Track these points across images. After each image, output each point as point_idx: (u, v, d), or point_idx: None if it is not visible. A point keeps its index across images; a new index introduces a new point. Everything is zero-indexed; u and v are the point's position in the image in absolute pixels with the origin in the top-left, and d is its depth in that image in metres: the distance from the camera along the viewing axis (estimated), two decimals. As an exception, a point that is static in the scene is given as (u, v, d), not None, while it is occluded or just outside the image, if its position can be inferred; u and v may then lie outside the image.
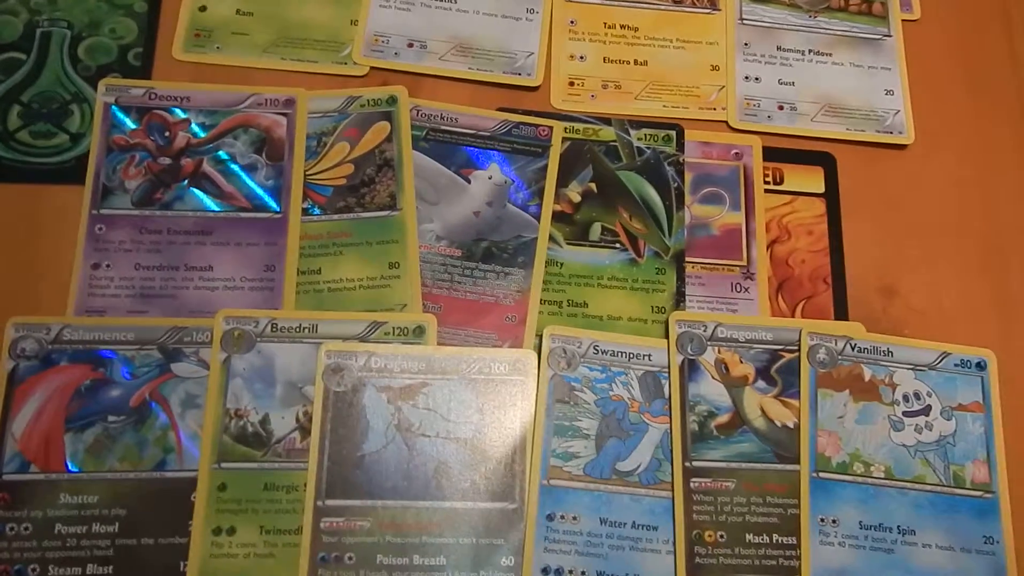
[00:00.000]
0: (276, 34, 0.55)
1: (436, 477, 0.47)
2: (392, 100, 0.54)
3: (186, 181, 0.51)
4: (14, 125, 0.51)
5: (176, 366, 0.48)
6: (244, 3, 0.56)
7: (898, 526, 0.48)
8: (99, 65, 0.53)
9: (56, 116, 0.52)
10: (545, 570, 0.46)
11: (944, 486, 0.49)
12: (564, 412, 0.49)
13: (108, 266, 0.49)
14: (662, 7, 0.59)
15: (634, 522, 0.47)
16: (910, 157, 0.57)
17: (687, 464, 0.48)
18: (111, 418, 0.46)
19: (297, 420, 0.47)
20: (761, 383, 0.50)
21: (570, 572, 0.46)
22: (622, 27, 0.58)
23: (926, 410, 0.51)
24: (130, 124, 0.52)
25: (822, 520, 0.48)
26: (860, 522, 0.48)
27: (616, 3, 0.59)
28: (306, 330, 0.49)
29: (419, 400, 0.48)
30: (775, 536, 0.48)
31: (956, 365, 0.52)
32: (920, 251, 0.55)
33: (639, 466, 0.48)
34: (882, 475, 0.49)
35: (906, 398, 0.51)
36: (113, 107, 0.52)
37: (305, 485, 0.46)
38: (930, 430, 0.50)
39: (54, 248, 0.49)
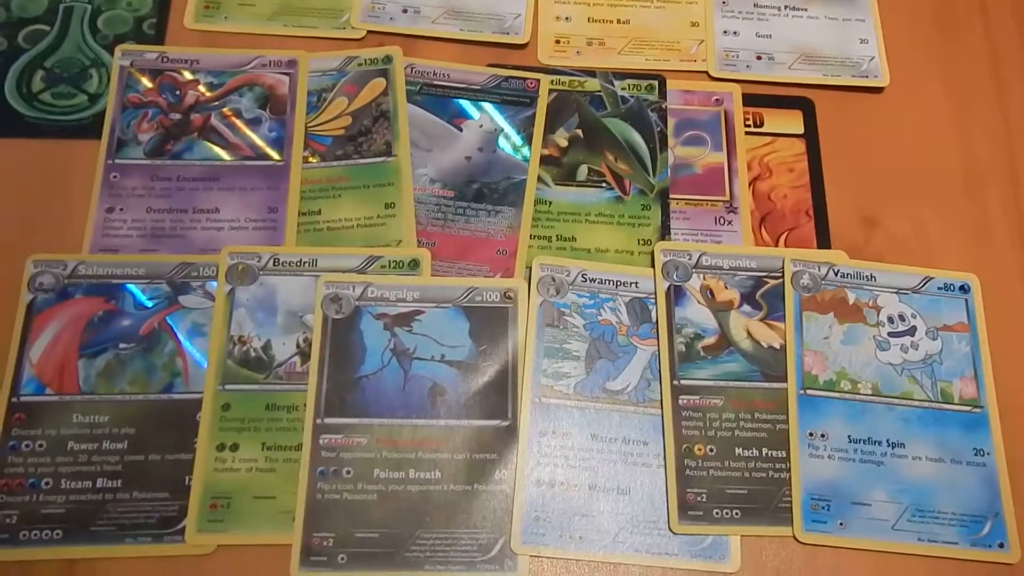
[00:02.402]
0: (279, 4, 0.59)
1: (431, 397, 0.49)
2: (388, 59, 0.57)
3: (195, 134, 0.55)
4: (37, 87, 0.55)
5: (184, 298, 0.50)
6: (250, -23, 0.60)
7: (887, 439, 0.49)
8: (116, 35, 0.57)
9: (76, 79, 0.56)
10: (538, 482, 0.47)
11: (932, 402, 0.50)
12: (554, 335, 0.50)
13: (121, 210, 0.52)
14: (643, -27, 0.63)
15: (624, 437, 0.49)
16: (886, 99, 0.59)
17: (675, 383, 0.50)
18: (122, 345, 0.49)
19: (297, 346, 0.49)
20: (746, 307, 0.52)
21: (562, 484, 0.47)
22: (605, -10, 0.62)
23: (911, 331, 0.52)
24: (144, 84, 0.56)
25: (811, 434, 0.49)
26: (849, 436, 0.49)
27: (599, -30, 0.63)
28: (306, 264, 0.51)
29: (414, 326, 0.50)
30: (764, 450, 0.49)
31: (939, 288, 0.53)
32: (900, 184, 0.57)
33: (628, 385, 0.50)
34: (869, 392, 0.50)
35: (891, 319, 0.52)
36: (128, 70, 0.56)
37: (305, 405, 0.48)
38: (916, 349, 0.51)
39: (72, 195, 0.53)
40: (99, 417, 0.47)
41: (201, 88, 0.56)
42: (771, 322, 0.52)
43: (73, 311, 0.49)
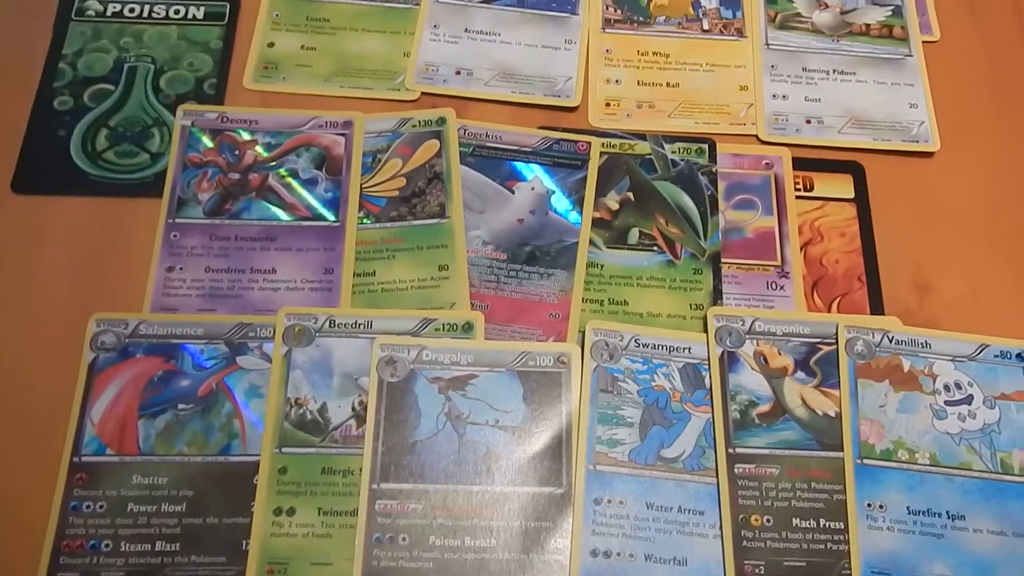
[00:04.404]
0: (336, 66, 0.61)
1: (485, 462, 0.49)
2: (441, 121, 0.58)
3: (253, 194, 0.56)
4: (102, 146, 0.57)
5: (241, 359, 0.51)
6: (308, 39, 0.61)
7: (947, 511, 0.48)
8: (178, 94, 0.59)
9: (139, 138, 0.57)
10: (593, 552, 0.47)
11: (992, 472, 0.50)
12: (608, 401, 0.50)
13: (181, 269, 0.53)
14: (691, 36, 0.64)
15: (680, 507, 0.48)
16: (937, 163, 0.59)
17: (730, 450, 0.49)
18: (181, 406, 0.49)
19: (353, 409, 0.50)
20: (800, 374, 0.52)
21: (618, 555, 0.47)
22: (654, 54, 0.63)
23: (968, 399, 0.51)
24: (204, 143, 0.57)
25: (869, 505, 0.48)
26: (908, 507, 0.48)
27: (648, 34, 0.63)
28: (361, 326, 0.52)
29: (468, 390, 0.50)
30: (822, 521, 0.48)
31: (996, 356, 0.52)
32: (952, 249, 0.57)
33: (683, 453, 0.49)
34: (927, 462, 0.50)
35: (947, 388, 0.52)
36: (190, 129, 0.57)
37: (361, 469, 0.48)
38: (973, 418, 0.51)
39: (133, 254, 0.54)
40: (158, 479, 0.47)
41: (259, 148, 0.57)
42: (826, 389, 0.51)
43: (134, 371, 0.50)
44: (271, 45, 0.61)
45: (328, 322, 0.52)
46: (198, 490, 0.47)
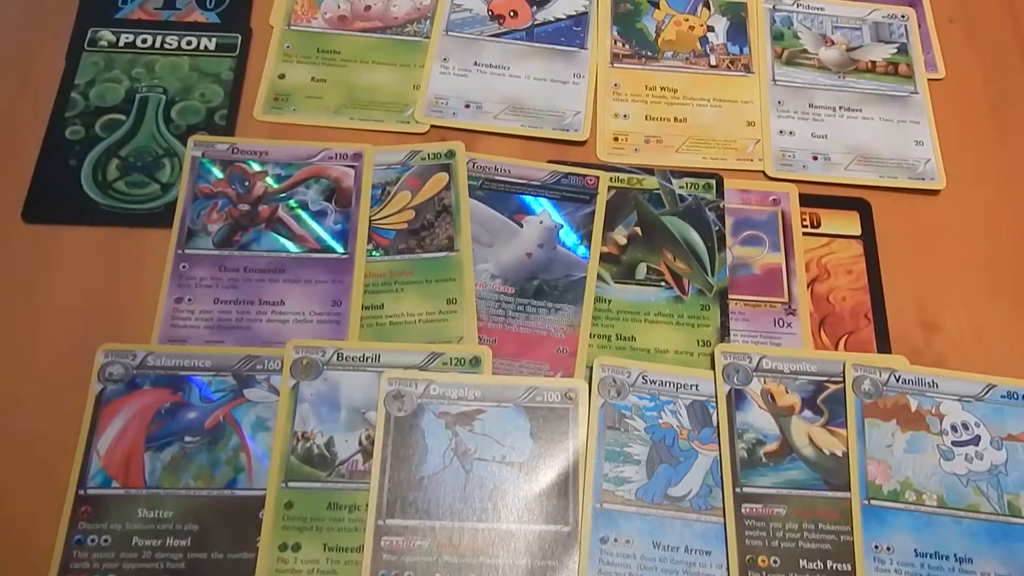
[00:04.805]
0: (346, 98, 0.61)
1: (492, 499, 0.49)
2: (450, 154, 0.59)
3: (262, 225, 0.56)
4: (112, 176, 0.57)
5: (249, 391, 0.51)
6: (318, 71, 0.62)
7: (955, 554, 0.48)
8: (189, 125, 0.59)
9: (149, 168, 0.57)
10: (599, 591, 0.47)
11: (999, 515, 0.49)
12: (615, 438, 0.50)
13: (190, 300, 0.53)
14: (699, 71, 0.64)
15: (687, 546, 0.48)
16: (943, 200, 0.60)
17: (738, 490, 0.49)
18: (187, 438, 0.49)
19: (360, 443, 0.50)
20: (807, 413, 0.52)
21: (624, 594, 0.47)
22: (662, 89, 0.63)
23: (975, 440, 0.51)
24: (215, 174, 0.57)
25: (876, 547, 0.48)
26: (915, 550, 0.48)
27: (656, 68, 0.64)
28: (369, 359, 0.52)
29: (475, 425, 0.50)
30: (829, 562, 0.48)
31: (1003, 396, 0.52)
32: (958, 287, 0.57)
33: (690, 491, 0.49)
34: (935, 503, 0.49)
35: (954, 428, 0.52)
36: (200, 160, 0.57)
37: (367, 505, 0.48)
38: (981, 459, 0.51)
39: (142, 284, 0.54)
40: (164, 512, 0.47)
41: (269, 179, 0.57)
42: (833, 428, 0.51)
43: (141, 403, 0.50)
44: (282, 77, 0.62)
45: (336, 355, 0.52)
46: (203, 524, 0.47)
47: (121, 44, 0.62)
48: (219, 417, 0.50)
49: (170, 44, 0.62)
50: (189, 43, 0.62)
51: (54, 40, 0.62)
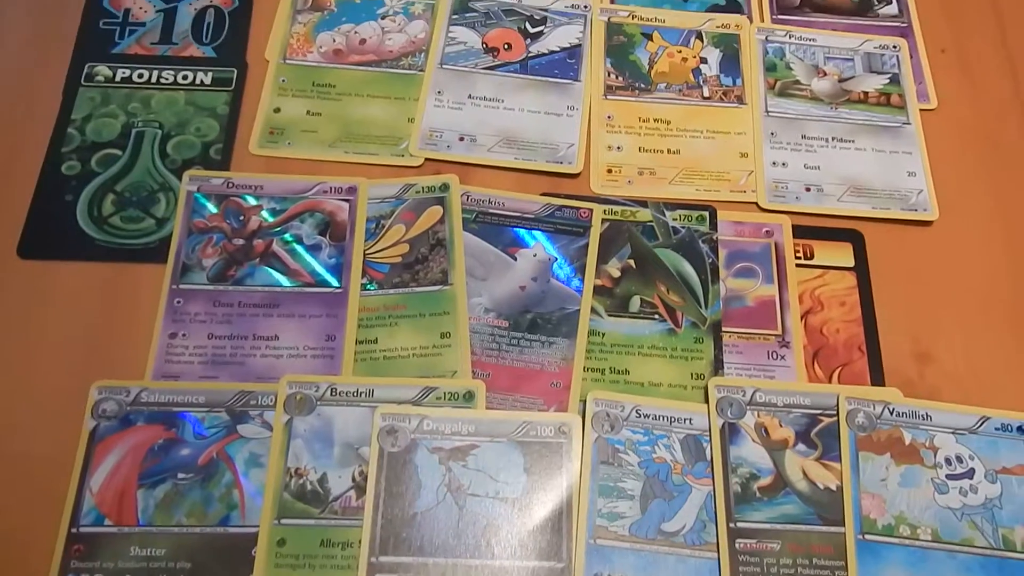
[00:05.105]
0: (341, 131, 0.62)
1: (486, 535, 0.48)
2: (444, 187, 0.59)
3: (257, 260, 0.56)
4: (108, 211, 0.57)
5: (242, 427, 0.51)
6: (313, 104, 0.62)
7: (949, 590, 0.48)
8: (184, 159, 0.59)
9: (144, 203, 0.58)
10: (593, 629, 0.47)
11: (994, 549, 0.49)
12: (609, 473, 0.50)
13: (184, 335, 0.53)
14: (692, 103, 0.64)
15: (681, 583, 0.48)
16: (936, 231, 0.60)
17: (732, 525, 0.49)
18: (181, 475, 0.49)
19: (353, 479, 0.50)
20: (801, 446, 0.52)
21: (618, 632, 0.47)
22: (656, 120, 0.63)
23: (970, 473, 0.51)
24: (209, 209, 0.57)
25: (871, 583, 0.48)
26: (910, 586, 0.48)
27: (649, 100, 0.64)
28: (363, 394, 0.52)
29: (469, 461, 0.50)
30: (824, 599, 0.48)
31: (997, 429, 0.52)
32: (952, 319, 0.57)
33: (684, 527, 0.49)
34: (929, 538, 0.49)
35: (948, 461, 0.51)
36: (196, 194, 0.58)
37: (360, 541, 0.48)
38: (975, 493, 0.51)
39: (137, 320, 0.54)
40: (156, 550, 0.47)
41: (264, 214, 0.58)
42: (827, 462, 0.51)
43: (134, 439, 0.50)
44: (277, 111, 0.62)
45: (329, 390, 0.52)
46: (196, 562, 0.47)
47: (118, 79, 0.62)
48: (212, 453, 0.50)
49: (166, 79, 0.62)
50: (185, 77, 0.63)
51: (51, 75, 0.62)
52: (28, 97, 0.62)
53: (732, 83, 0.65)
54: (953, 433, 0.52)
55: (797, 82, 0.66)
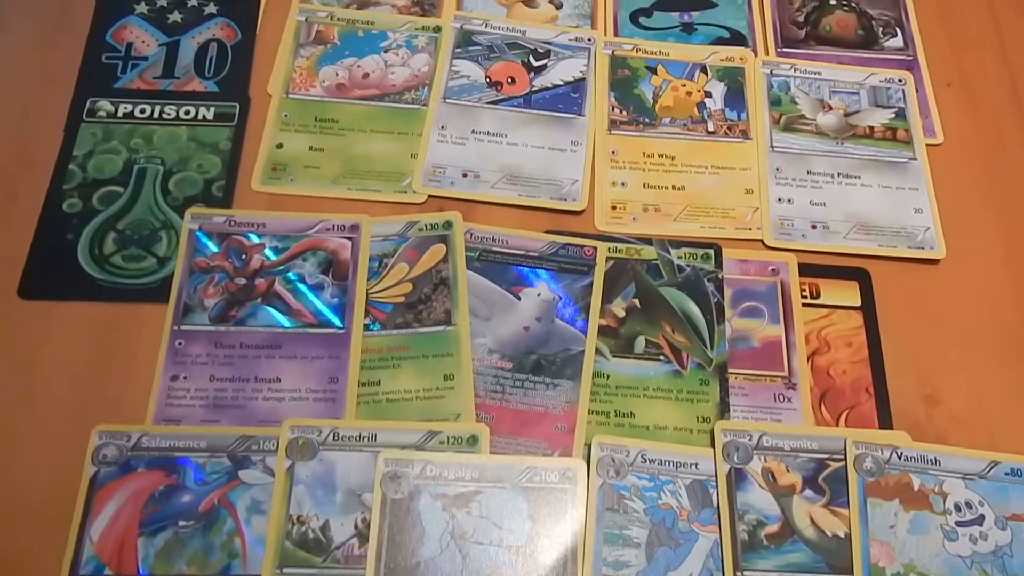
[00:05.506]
0: (344, 167, 0.61)
1: (489, 585, 0.48)
2: (448, 224, 0.58)
3: (259, 300, 0.56)
4: (109, 250, 0.57)
5: (244, 473, 0.50)
6: (316, 140, 0.62)
7: (959, 642, 0.47)
8: (186, 196, 0.59)
9: (146, 241, 0.57)
10: None
11: (1004, 599, 0.49)
12: (614, 520, 0.50)
13: (185, 378, 0.53)
14: (696, 138, 0.64)
15: (687, 633, 0.47)
16: (943, 270, 0.59)
17: (739, 574, 0.48)
18: (181, 523, 0.49)
19: (356, 527, 0.49)
20: (809, 492, 0.51)
21: None
22: (660, 156, 0.63)
23: (979, 519, 0.51)
24: (211, 248, 0.57)
25: (880, 634, 0.47)
26: (919, 637, 0.48)
27: (654, 135, 0.64)
28: (366, 439, 0.51)
29: (472, 507, 0.50)
30: (832, 650, 0.47)
31: (1007, 474, 0.52)
32: (961, 360, 0.56)
33: (690, 576, 0.49)
34: (939, 587, 0.49)
35: (958, 507, 0.51)
36: (197, 233, 0.57)
37: (362, 591, 0.47)
38: (985, 540, 0.50)
39: (138, 361, 0.53)
40: (156, 601, 0.47)
41: (267, 252, 0.57)
42: (835, 508, 0.51)
43: (135, 486, 0.49)
44: (280, 146, 0.62)
45: (332, 434, 0.51)
46: (197, 613, 0.47)
47: (120, 114, 0.62)
48: (214, 500, 0.49)
49: (168, 114, 0.62)
50: (187, 112, 0.62)
51: (53, 110, 0.62)
52: (30, 132, 0.61)
53: (737, 117, 0.65)
54: (962, 478, 0.52)
55: (802, 116, 0.65)
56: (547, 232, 0.59)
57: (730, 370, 0.55)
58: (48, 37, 0.65)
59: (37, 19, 0.66)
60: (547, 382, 0.54)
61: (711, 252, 0.59)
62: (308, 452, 0.51)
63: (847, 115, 0.65)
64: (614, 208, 0.61)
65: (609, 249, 0.59)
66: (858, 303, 0.58)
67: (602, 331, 0.56)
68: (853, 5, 0.71)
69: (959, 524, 0.50)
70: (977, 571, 0.49)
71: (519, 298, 0.57)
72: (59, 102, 0.62)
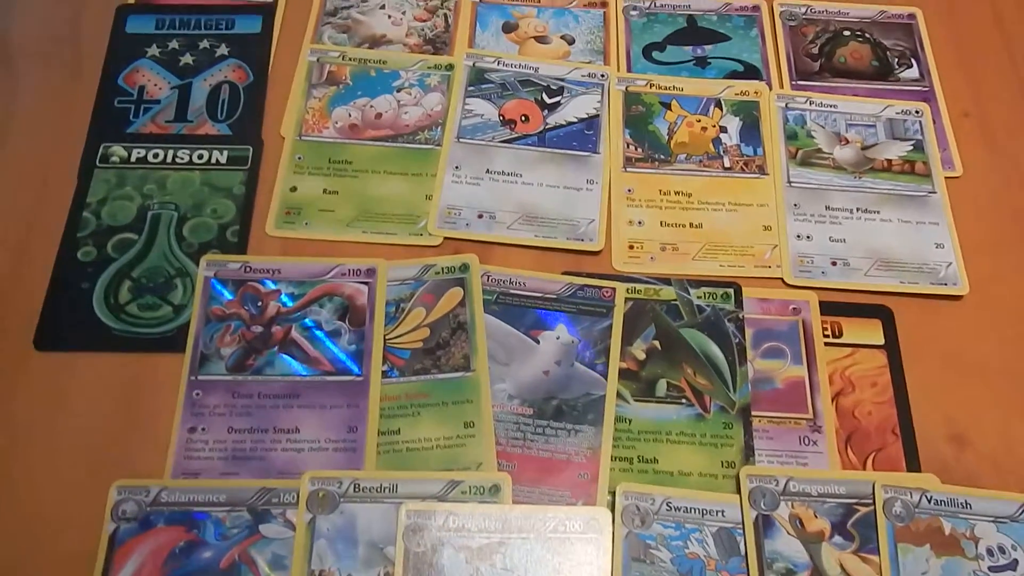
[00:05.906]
0: (358, 210, 0.61)
1: (515, 640, 0.47)
2: (464, 267, 0.58)
3: (276, 348, 0.55)
4: (124, 299, 0.56)
5: (264, 527, 0.49)
6: (330, 183, 0.62)
7: None
8: (201, 242, 0.59)
9: (161, 290, 0.57)
10: None
11: (1041, 648, 0.48)
12: (641, 571, 0.49)
13: (204, 429, 0.52)
14: (713, 174, 0.64)
15: None
16: (967, 305, 0.59)
17: (769, 625, 0.48)
18: (202, 580, 0.48)
19: (378, 581, 0.48)
20: (838, 538, 0.50)
21: None
22: (676, 193, 0.63)
23: (1013, 564, 0.50)
24: (227, 296, 0.57)
25: None
26: None
27: (670, 172, 0.63)
28: (387, 490, 0.50)
29: (496, 560, 0.49)
30: None
31: (1038, 517, 0.51)
32: (987, 399, 0.56)
33: (719, 628, 0.48)
34: (973, 637, 0.48)
35: (990, 552, 0.50)
36: (212, 280, 0.57)
37: (386, 649, 0.46)
38: (1019, 587, 0.49)
39: (155, 412, 0.53)
40: (178, 662, 0.46)
41: (283, 298, 0.57)
42: (865, 555, 0.50)
43: (155, 542, 0.49)
44: (293, 189, 0.61)
45: (352, 486, 0.50)
46: (219, 674, 0.46)
47: (133, 159, 0.62)
48: (235, 556, 0.49)
49: (181, 158, 0.62)
50: (200, 156, 0.62)
51: (66, 156, 0.62)
52: (43, 179, 0.61)
53: (753, 152, 0.65)
54: (994, 522, 0.51)
55: (819, 150, 0.65)
56: (564, 273, 0.59)
57: (754, 412, 0.54)
58: (61, 81, 0.65)
59: (49, 63, 0.66)
60: (569, 428, 0.53)
61: (731, 291, 0.58)
62: (329, 505, 0.50)
63: (864, 148, 0.65)
64: (632, 247, 0.60)
65: (628, 290, 0.58)
66: (881, 341, 0.57)
67: (623, 374, 0.55)
68: (867, 36, 0.70)
69: (992, 570, 0.50)
70: (1012, 619, 0.48)
71: (538, 341, 0.56)
72: (72, 147, 0.62)
